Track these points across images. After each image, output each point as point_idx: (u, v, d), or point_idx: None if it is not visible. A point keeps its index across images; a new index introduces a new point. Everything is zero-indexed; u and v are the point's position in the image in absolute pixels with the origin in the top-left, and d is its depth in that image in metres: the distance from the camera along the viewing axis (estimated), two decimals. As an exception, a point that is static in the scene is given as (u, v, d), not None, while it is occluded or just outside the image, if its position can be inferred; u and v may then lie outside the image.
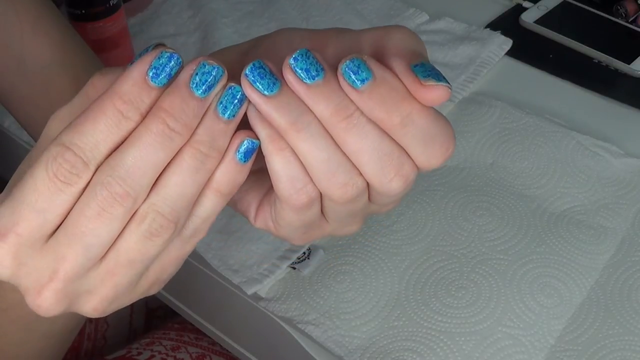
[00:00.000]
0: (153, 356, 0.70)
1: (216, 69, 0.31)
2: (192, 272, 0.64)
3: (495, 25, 0.84)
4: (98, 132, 0.31)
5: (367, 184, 0.33)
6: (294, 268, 0.60)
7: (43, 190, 0.32)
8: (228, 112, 0.32)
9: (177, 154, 0.32)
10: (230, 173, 0.33)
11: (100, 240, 0.32)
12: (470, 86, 0.76)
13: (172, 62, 0.31)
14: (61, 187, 0.31)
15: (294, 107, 0.31)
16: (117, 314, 0.82)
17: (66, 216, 0.32)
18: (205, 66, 0.31)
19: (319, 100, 0.30)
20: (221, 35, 0.83)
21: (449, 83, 0.31)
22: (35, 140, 0.61)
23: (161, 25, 0.86)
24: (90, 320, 0.79)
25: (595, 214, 0.63)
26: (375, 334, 0.56)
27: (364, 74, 0.30)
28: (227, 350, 0.73)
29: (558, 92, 0.77)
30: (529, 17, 0.84)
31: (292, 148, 0.32)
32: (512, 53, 0.81)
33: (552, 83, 0.78)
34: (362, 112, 0.31)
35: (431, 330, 0.55)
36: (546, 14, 0.85)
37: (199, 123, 0.32)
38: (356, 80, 0.30)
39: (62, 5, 0.75)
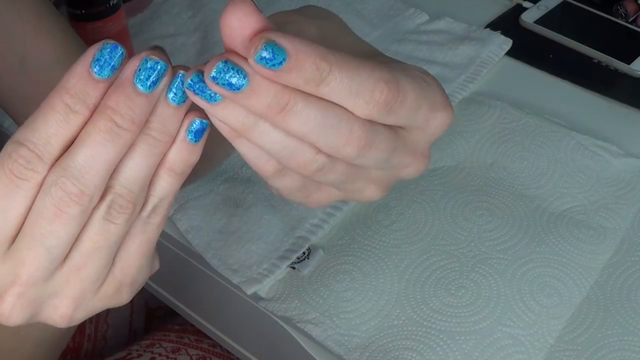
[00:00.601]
0: (153, 358, 0.70)
1: (160, 64, 0.31)
2: (192, 272, 0.64)
3: (495, 25, 0.84)
4: (49, 126, 0.31)
5: (333, 157, 0.33)
6: (294, 268, 0.60)
7: (1, 189, 0.32)
8: (178, 99, 0.32)
9: None
10: (182, 153, 0.34)
11: (60, 241, 0.32)
12: (470, 86, 0.76)
13: (116, 55, 0.31)
14: (18, 183, 0.31)
15: (240, 110, 0.31)
16: (118, 315, 0.82)
17: (25, 219, 0.32)
18: (147, 62, 0.31)
19: (251, 103, 0.30)
20: (221, 36, 0.83)
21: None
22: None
23: (161, 25, 0.87)
24: (90, 320, 0.79)
25: (595, 214, 0.63)
26: (374, 333, 0.56)
27: (279, 56, 0.29)
28: (228, 352, 0.73)
29: (558, 92, 0.77)
30: (529, 17, 0.84)
31: None
32: (512, 53, 0.81)
33: (552, 83, 0.78)
34: (294, 96, 0.31)
35: (431, 329, 0.55)
36: (546, 14, 0.85)
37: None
38: (275, 64, 0.29)
39: (62, 5, 0.75)
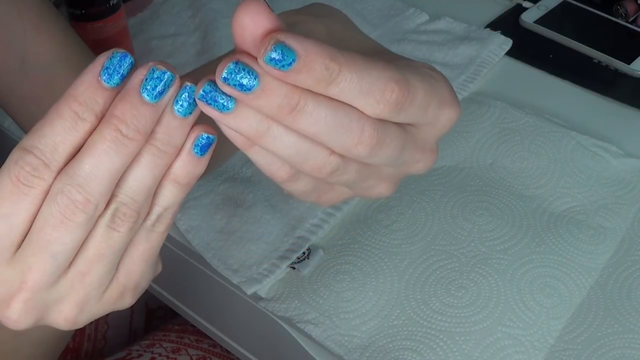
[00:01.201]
0: (153, 358, 0.70)
1: (167, 75, 0.31)
2: (192, 272, 0.64)
3: (495, 25, 0.84)
4: (56, 134, 0.31)
5: (346, 157, 0.34)
6: (294, 268, 0.60)
7: (7, 195, 0.32)
8: (184, 111, 0.32)
9: None
10: (187, 166, 0.34)
11: (66, 248, 0.33)
12: (470, 86, 0.76)
13: (125, 63, 0.32)
14: (24, 190, 0.32)
15: (252, 117, 0.31)
16: (118, 315, 0.82)
17: (31, 225, 0.33)
18: (154, 72, 0.31)
19: (262, 104, 0.31)
20: (221, 35, 0.83)
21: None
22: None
23: (161, 25, 0.87)
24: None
25: (595, 214, 0.63)
26: (374, 333, 0.56)
27: (288, 57, 0.29)
28: (228, 352, 0.73)
29: (558, 92, 0.77)
30: (529, 17, 0.84)
31: None
32: (512, 53, 0.81)
33: (552, 83, 0.78)
34: (304, 96, 0.31)
35: (431, 329, 0.55)
36: (546, 14, 0.85)
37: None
38: (285, 65, 0.30)
39: (62, 5, 0.75)
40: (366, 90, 0.31)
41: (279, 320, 0.57)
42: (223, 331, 0.67)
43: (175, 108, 0.32)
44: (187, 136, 0.33)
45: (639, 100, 0.75)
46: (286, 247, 0.61)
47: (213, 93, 0.31)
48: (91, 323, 0.79)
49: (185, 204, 0.64)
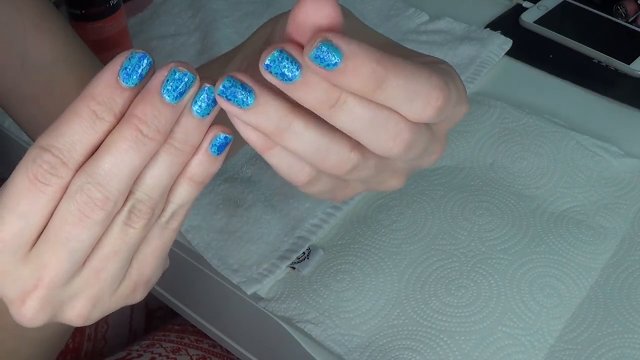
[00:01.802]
0: (153, 358, 0.70)
1: (187, 76, 0.32)
2: (192, 271, 0.64)
3: (495, 25, 0.84)
4: (74, 132, 0.32)
5: (365, 153, 0.34)
6: (294, 268, 0.60)
7: (24, 194, 0.32)
8: (202, 112, 0.33)
9: None
10: (203, 164, 0.34)
11: (83, 245, 0.33)
12: (471, 86, 0.76)
13: (143, 63, 0.32)
14: (42, 188, 0.32)
15: (273, 113, 0.31)
16: (117, 315, 0.82)
17: (47, 222, 0.33)
18: (176, 73, 0.32)
19: (301, 96, 0.31)
20: (221, 35, 0.83)
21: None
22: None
23: (161, 25, 0.87)
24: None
25: (595, 214, 0.63)
26: (374, 333, 0.56)
27: (334, 57, 0.29)
28: (228, 352, 0.73)
29: (558, 92, 0.77)
30: (529, 17, 0.84)
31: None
32: (512, 53, 0.81)
33: (552, 83, 0.78)
34: (345, 93, 0.31)
35: (431, 329, 0.55)
36: (546, 14, 0.85)
37: None
38: (330, 64, 0.30)
39: (62, 5, 0.75)
40: (412, 97, 0.31)
41: (279, 320, 0.57)
42: (223, 331, 0.67)
43: (194, 108, 0.33)
44: (205, 136, 0.34)
45: (639, 100, 0.75)
46: (286, 247, 0.61)
47: (233, 89, 0.31)
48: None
49: (185, 204, 0.64)
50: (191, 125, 0.33)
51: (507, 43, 0.81)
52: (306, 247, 0.61)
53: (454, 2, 0.89)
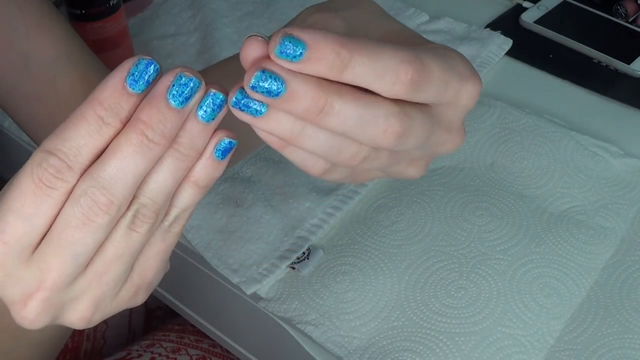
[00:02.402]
0: (153, 358, 0.70)
1: (193, 81, 0.32)
2: (192, 271, 0.64)
3: (495, 25, 0.84)
4: (80, 137, 0.32)
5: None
6: (294, 268, 0.60)
7: (29, 196, 0.32)
8: (208, 117, 0.33)
9: None
10: (207, 169, 0.35)
11: (87, 248, 0.33)
12: (470, 86, 0.76)
13: (150, 70, 0.32)
14: (47, 191, 0.32)
15: (284, 120, 0.32)
16: (116, 315, 0.81)
17: (51, 225, 0.33)
18: (182, 78, 0.32)
19: (290, 108, 0.32)
20: (221, 35, 0.83)
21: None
22: (35, 141, 0.61)
23: (161, 25, 0.86)
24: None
25: (595, 214, 0.63)
26: (374, 334, 0.56)
27: (298, 48, 0.30)
28: (228, 352, 0.73)
29: (558, 92, 0.77)
30: (529, 17, 0.84)
31: None
32: (512, 53, 0.81)
33: (552, 83, 0.78)
34: (331, 97, 0.32)
35: (431, 330, 0.55)
36: (546, 14, 0.85)
37: None
38: (295, 56, 0.31)
39: (62, 5, 0.75)
40: (380, 73, 0.32)
41: (279, 321, 0.57)
42: (223, 331, 0.67)
43: (199, 114, 0.33)
44: (210, 140, 0.34)
45: (639, 100, 0.75)
46: (286, 247, 0.61)
47: (245, 100, 0.32)
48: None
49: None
50: (196, 130, 0.33)
51: (507, 43, 0.81)
52: (306, 247, 0.61)
53: (454, 2, 0.88)
